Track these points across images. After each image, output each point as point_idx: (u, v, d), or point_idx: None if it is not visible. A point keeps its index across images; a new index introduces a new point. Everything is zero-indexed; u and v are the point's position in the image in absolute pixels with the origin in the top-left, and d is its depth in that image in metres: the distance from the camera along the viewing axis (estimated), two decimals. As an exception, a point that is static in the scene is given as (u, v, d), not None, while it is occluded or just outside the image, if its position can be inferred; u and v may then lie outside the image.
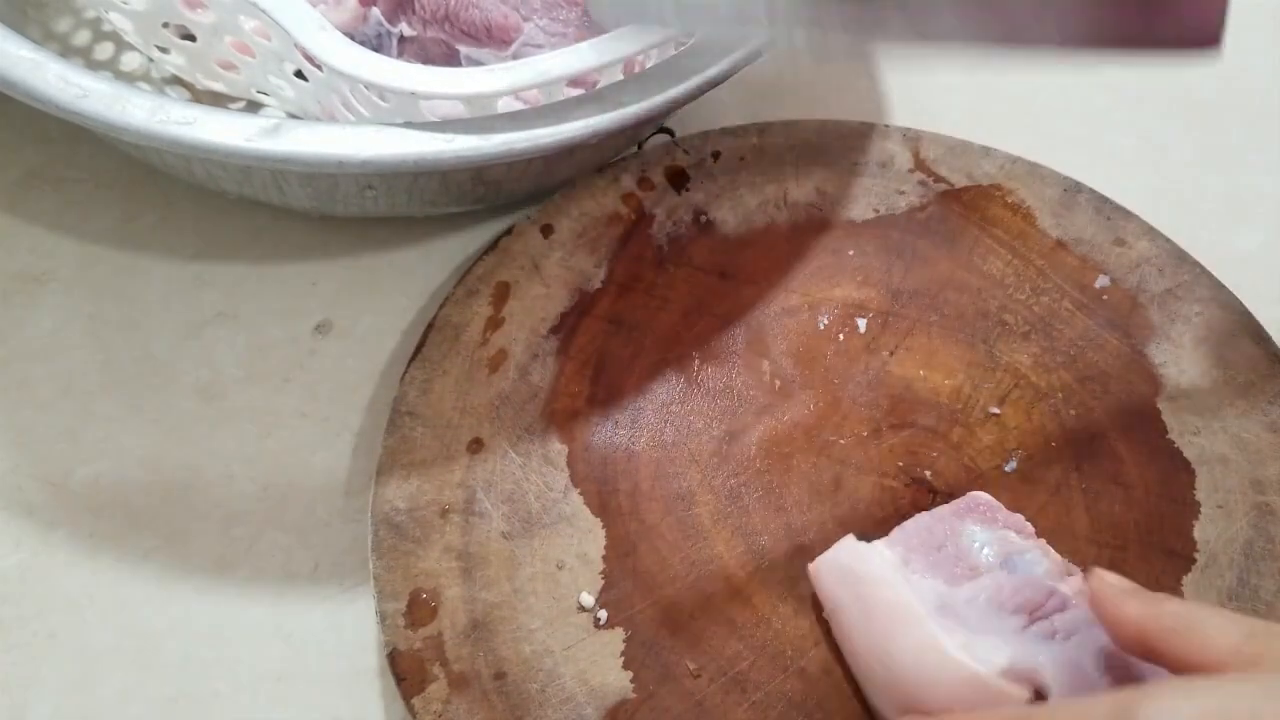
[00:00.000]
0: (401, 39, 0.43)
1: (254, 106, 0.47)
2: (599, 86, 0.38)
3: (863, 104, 0.54)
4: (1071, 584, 0.33)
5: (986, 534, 0.34)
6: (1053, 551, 0.34)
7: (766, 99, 0.53)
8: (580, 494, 0.38)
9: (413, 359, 0.40)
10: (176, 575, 0.38)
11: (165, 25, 0.43)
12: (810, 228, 0.45)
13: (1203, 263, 0.44)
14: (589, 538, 0.37)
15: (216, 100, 0.47)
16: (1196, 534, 0.38)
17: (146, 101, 0.35)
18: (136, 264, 0.45)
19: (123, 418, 0.41)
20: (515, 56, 0.43)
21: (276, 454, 0.41)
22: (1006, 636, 0.31)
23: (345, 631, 0.37)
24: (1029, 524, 0.35)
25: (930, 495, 0.38)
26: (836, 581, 0.34)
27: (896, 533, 0.35)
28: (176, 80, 0.48)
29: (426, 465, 0.37)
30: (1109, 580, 0.29)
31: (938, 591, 0.33)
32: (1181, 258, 0.44)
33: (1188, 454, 0.39)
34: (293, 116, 0.40)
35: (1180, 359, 0.42)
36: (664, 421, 0.40)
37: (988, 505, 0.35)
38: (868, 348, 0.42)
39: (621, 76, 0.39)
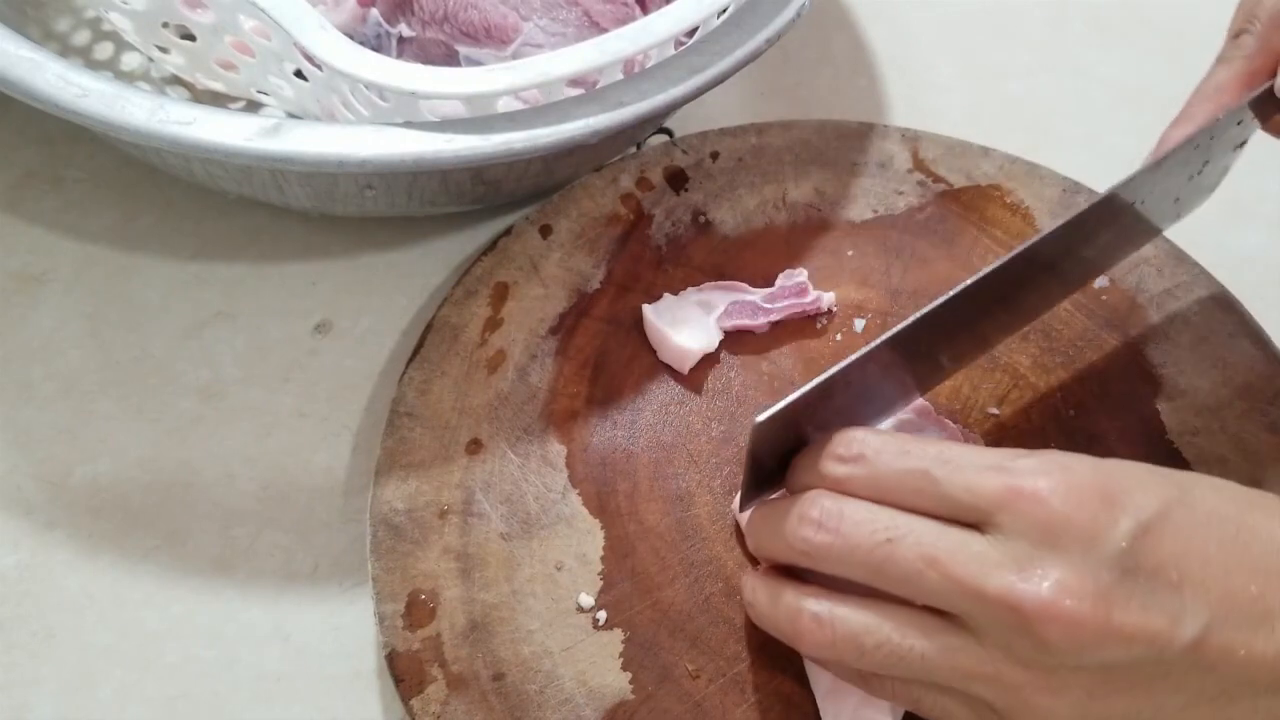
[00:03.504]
0: (401, 39, 0.43)
1: (254, 106, 0.47)
2: (599, 86, 0.38)
3: (862, 104, 0.54)
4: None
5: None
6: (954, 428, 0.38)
7: (766, 99, 0.53)
8: (579, 495, 0.38)
9: (411, 359, 0.40)
10: (176, 575, 0.38)
11: (165, 25, 0.43)
12: (809, 228, 0.45)
13: (1203, 263, 0.44)
14: (588, 538, 0.37)
15: (216, 100, 0.47)
16: (1196, 535, 0.38)
17: (146, 101, 0.35)
18: (136, 264, 0.45)
19: (122, 417, 0.41)
20: (515, 56, 0.43)
21: (276, 454, 0.41)
22: None
23: (344, 632, 0.37)
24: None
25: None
26: None
27: None
28: (176, 80, 0.48)
29: (425, 466, 0.37)
30: None
31: None
32: (1181, 258, 0.44)
33: (1187, 455, 0.39)
34: (292, 116, 0.40)
35: (1180, 359, 0.42)
36: (662, 422, 0.40)
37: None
38: (867, 348, 0.42)
39: (621, 76, 0.39)
